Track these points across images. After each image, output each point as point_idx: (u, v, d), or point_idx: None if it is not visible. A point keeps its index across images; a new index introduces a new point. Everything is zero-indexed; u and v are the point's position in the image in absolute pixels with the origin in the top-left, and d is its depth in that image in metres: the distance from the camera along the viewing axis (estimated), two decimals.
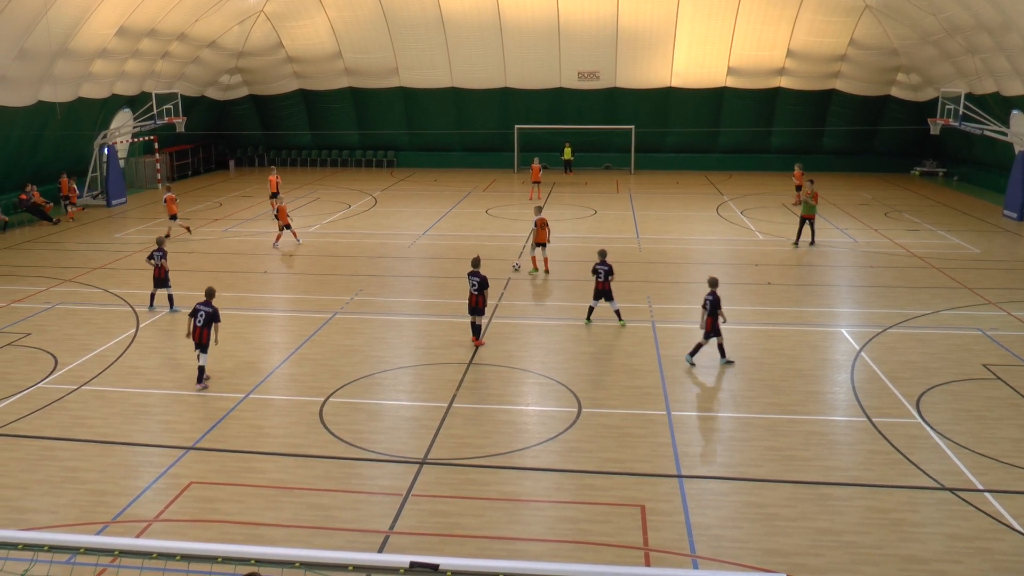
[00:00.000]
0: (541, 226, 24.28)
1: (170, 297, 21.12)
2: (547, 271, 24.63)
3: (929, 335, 18.94)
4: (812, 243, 28.30)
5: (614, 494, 12.02)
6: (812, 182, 29.15)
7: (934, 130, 37.48)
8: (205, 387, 16.04)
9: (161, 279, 20.95)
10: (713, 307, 16.71)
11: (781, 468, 12.72)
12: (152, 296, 21.22)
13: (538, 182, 39.38)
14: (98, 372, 16.82)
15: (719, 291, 17.04)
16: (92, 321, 20.20)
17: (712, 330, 16.87)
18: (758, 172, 47.66)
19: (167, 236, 26.95)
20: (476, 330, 18.44)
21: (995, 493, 11.93)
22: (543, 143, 48.22)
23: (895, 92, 45.30)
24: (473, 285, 18.13)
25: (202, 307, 16.12)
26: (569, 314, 20.67)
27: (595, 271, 19.62)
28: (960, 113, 34.85)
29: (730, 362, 17.11)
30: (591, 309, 19.92)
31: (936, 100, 37.76)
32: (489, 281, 18.60)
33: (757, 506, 11.64)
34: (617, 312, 19.74)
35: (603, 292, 19.54)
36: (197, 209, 36.07)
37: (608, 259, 19.67)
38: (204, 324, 15.97)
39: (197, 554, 4.96)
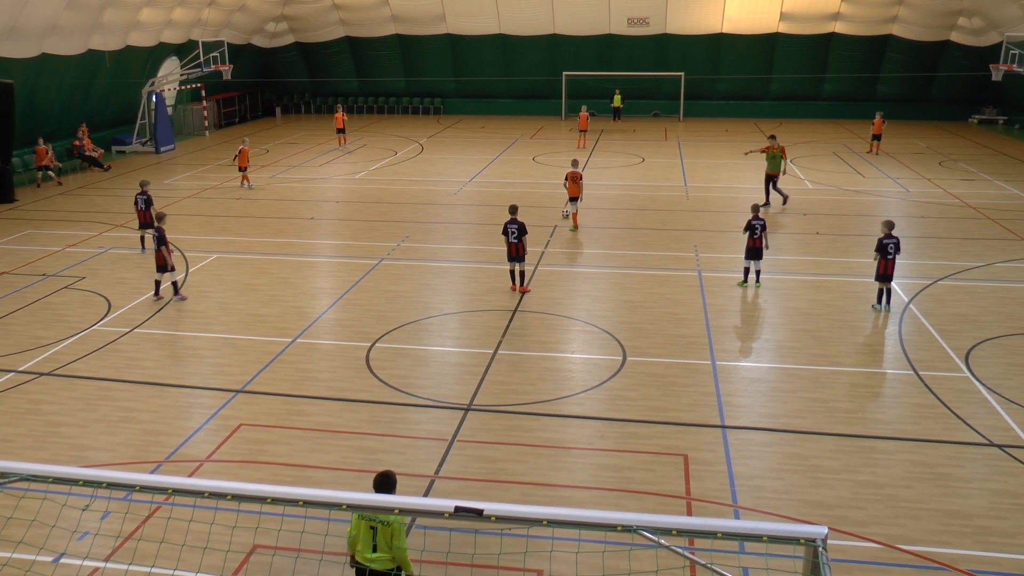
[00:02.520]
0: (573, 179, 23.32)
1: (143, 239, 21.88)
2: (575, 227, 23.70)
3: (981, 287, 18.57)
4: (766, 204, 25.85)
5: (657, 443, 12.07)
6: (774, 137, 26.30)
7: (996, 76, 36.24)
8: (161, 298, 17.87)
9: (145, 223, 21.55)
10: (895, 249, 16.79)
11: (825, 420, 12.66)
12: (142, 238, 21.93)
13: (585, 130, 39.04)
14: (150, 315, 17.20)
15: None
16: (143, 266, 20.57)
17: (879, 273, 17.01)
18: (809, 120, 46.72)
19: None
20: (521, 277, 18.51)
21: None
22: (591, 90, 47.64)
23: (955, 37, 43.85)
24: (512, 233, 18.14)
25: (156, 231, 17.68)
26: (615, 262, 20.60)
27: (750, 227, 18.23)
28: None
29: (883, 308, 17.25)
30: (747, 271, 18.68)
31: (999, 45, 36.49)
32: (528, 228, 18.64)
33: (800, 458, 11.63)
34: (758, 272, 18.65)
35: (758, 250, 18.33)
36: None
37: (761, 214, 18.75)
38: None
39: (247, 494, 5.09)
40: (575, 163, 24.34)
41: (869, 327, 16.44)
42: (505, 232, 18.24)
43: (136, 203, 21.62)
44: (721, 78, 47.47)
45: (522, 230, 18.16)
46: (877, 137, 35.72)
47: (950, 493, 10.70)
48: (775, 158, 25.73)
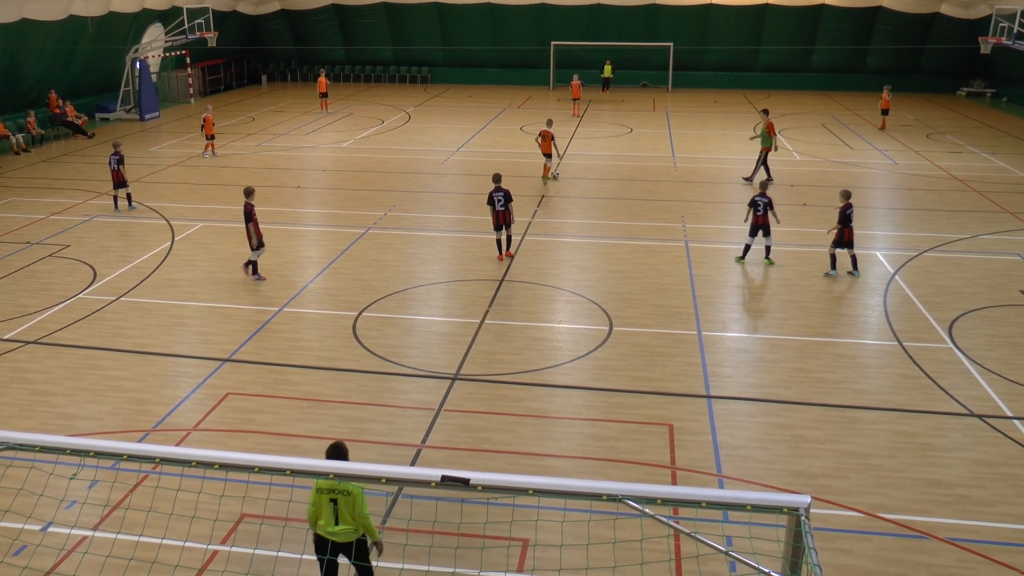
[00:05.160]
0: (545, 138, 25.03)
1: (128, 196, 22.50)
2: (550, 175, 25.90)
3: (965, 259, 18.68)
4: (749, 179, 25.64)
5: (643, 412, 12.15)
6: (767, 112, 26.14)
7: (985, 49, 36.16)
8: (263, 278, 17.38)
9: (120, 182, 22.08)
10: (845, 219, 17.34)
11: (809, 390, 12.76)
12: (115, 198, 22.46)
13: (577, 99, 39.00)
14: (136, 284, 17.12)
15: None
16: (128, 234, 20.47)
17: (843, 241, 17.49)
18: (798, 91, 46.61)
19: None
20: (508, 242, 18.55)
21: None
22: (580, 60, 47.34)
23: (944, 9, 43.70)
24: (499, 201, 18.15)
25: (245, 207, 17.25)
26: (602, 232, 20.60)
27: (753, 203, 18.09)
28: (1015, 31, 33.55)
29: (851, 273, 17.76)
30: (747, 248, 18.40)
31: (988, 17, 36.41)
32: (515, 197, 18.74)
33: (784, 428, 11.73)
34: (768, 248, 18.44)
35: (762, 227, 18.12)
36: (230, 124, 36.05)
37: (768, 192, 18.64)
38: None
39: (235, 463, 5.11)
40: (549, 123, 25.64)
41: (854, 298, 16.54)
42: (491, 201, 18.23)
43: (110, 163, 22.01)
44: (710, 49, 47.24)
45: (508, 197, 18.18)
46: (885, 112, 35.16)
47: (931, 463, 10.83)
48: (763, 134, 25.43)
